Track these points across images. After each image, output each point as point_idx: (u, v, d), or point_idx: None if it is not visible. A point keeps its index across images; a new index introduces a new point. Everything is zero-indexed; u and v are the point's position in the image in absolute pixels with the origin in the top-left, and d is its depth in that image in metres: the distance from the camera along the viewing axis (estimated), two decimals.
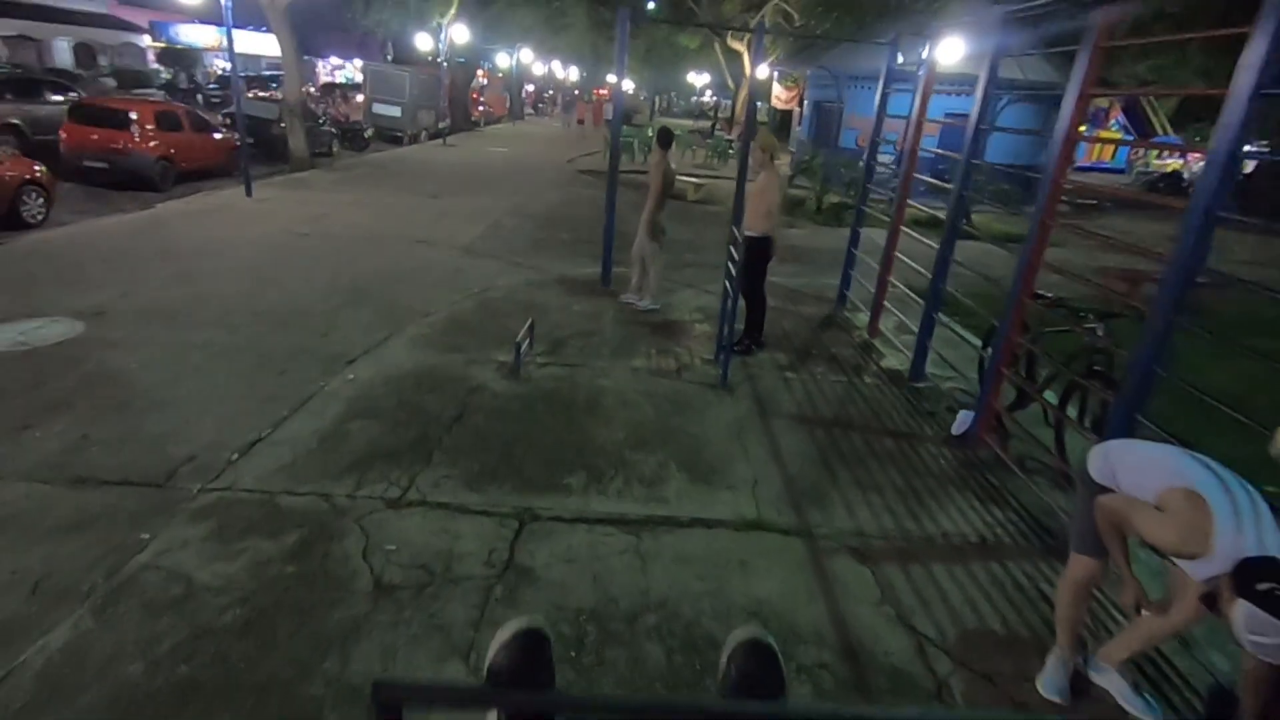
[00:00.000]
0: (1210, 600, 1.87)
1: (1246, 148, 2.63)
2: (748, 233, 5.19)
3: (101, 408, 3.92)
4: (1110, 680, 2.42)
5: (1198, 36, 3.47)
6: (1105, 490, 2.22)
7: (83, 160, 10.77)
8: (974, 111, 4.59)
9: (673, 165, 6.33)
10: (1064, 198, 4.10)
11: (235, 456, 3.52)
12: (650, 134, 23.72)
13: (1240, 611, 1.69)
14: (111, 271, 6.36)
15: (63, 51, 28.62)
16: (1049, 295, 4.06)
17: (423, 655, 2.40)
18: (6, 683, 2.18)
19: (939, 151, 6.13)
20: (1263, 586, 1.66)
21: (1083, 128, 3.63)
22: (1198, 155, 29.50)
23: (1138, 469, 2.15)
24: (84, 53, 29.45)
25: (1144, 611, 2.27)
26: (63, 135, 10.85)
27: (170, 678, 2.24)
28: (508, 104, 36.15)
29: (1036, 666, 2.50)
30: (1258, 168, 23.70)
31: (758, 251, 5.34)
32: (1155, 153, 29.87)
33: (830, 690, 2.38)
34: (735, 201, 5.42)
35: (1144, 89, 11.55)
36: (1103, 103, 32.20)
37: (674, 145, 6.46)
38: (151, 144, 10.98)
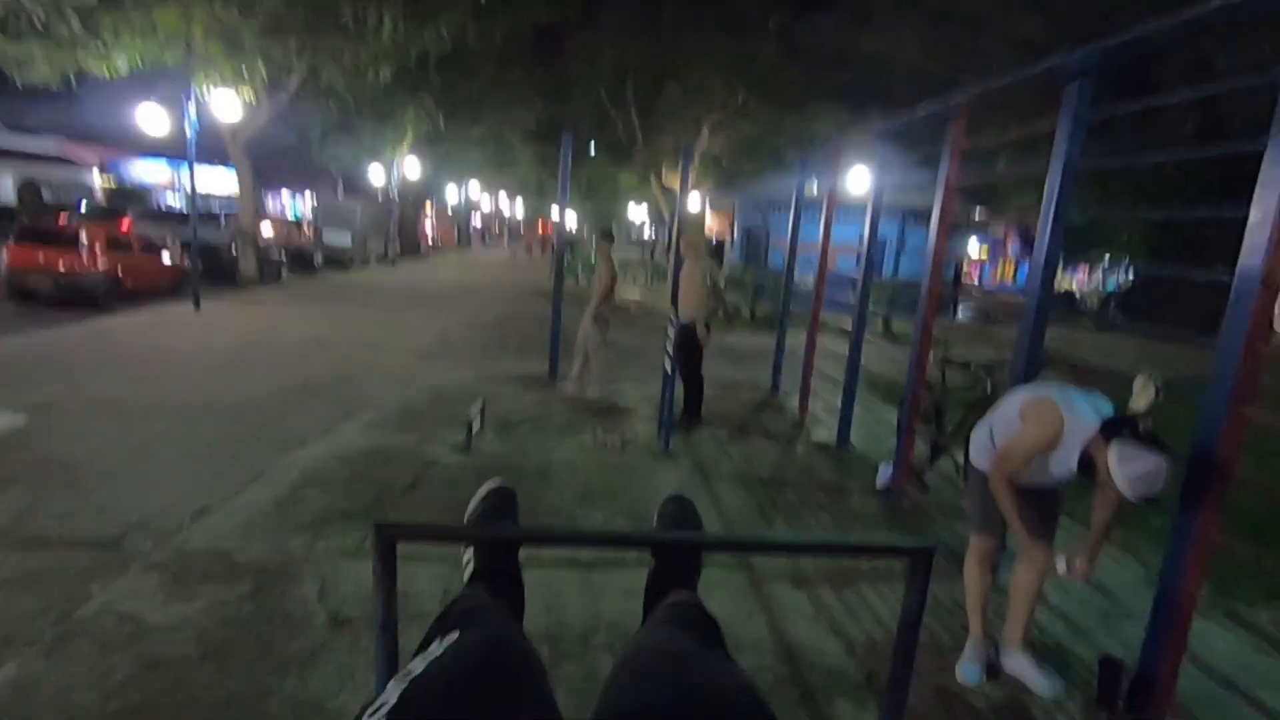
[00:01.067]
0: (1087, 469, 2.29)
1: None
2: (682, 321, 5.72)
3: (48, 486, 3.91)
4: (1016, 662, 2.68)
5: (1021, 133, 4.29)
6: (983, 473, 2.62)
7: (26, 280, 10.80)
8: (865, 233, 5.41)
9: (614, 262, 6.90)
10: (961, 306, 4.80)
11: (188, 520, 3.56)
12: (593, 260, 25.15)
13: (1113, 452, 2.17)
14: (55, 373, 6.36)
15: (5, 188, 28.82)
16: (943, 356, 4.62)
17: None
18: None
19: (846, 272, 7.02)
20: (1125, 430, 2.18)
21: (982, 250, 4.35)
22: (1084, 277, 33.08)
23: (1002, 418, 2.64)
24: (28, 188, 29.71)
25: (1061, 567, 2.58)
26: (5, 256, 10.92)
27: (124, 703, 2.26)
28: (456, 234, 37.74)
29: (955, 660, 2.74)
30: (1136, 282, 26.64)
31: (692, 337, 5.85)
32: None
33: (770, 685, 2.55)
34: (671, 289, 5.98)
35: (999, 171, 13.34)
36: (998, 231, 36.06)
37: (614, 241, 7.13)
38: (99, 263, 11.13)
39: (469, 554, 1.30)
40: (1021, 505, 2.51)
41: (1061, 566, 2.58)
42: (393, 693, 0.64)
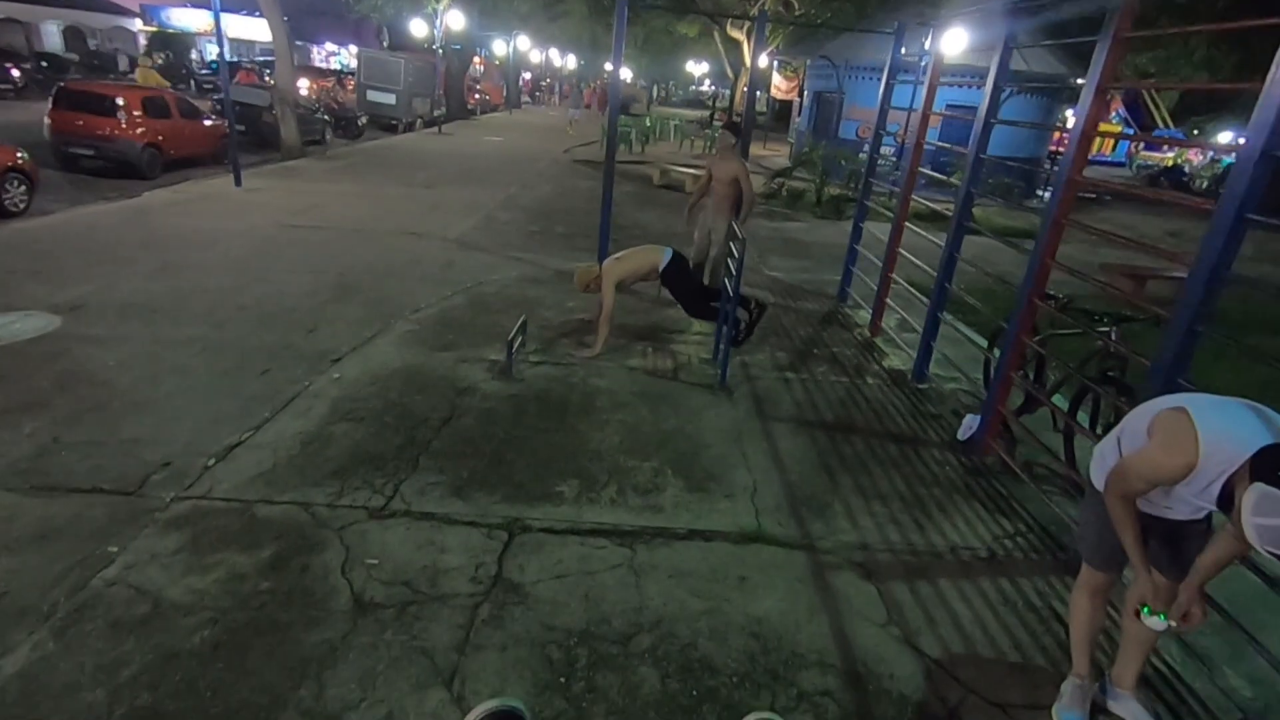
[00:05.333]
0: (1227, 502, 1.79)
1: None
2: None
3: (76, 408, 3.76)
4: (1128, 708, 2.30)
5: (1231, 27, 3.32)
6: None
7: (68, 147, 10.55)
8: (983, 104, 4.45)
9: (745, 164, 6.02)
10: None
11: (212, 462, 3.36)
12: (649, 124, 23.45)
13: (1254, 493, 1.64)
14: (92, 264, 6.18)
15: (52, 35, 28.23)
16: (1060, 296, 3.91)
17: (404, 681, 2.26)
18: None
19: (945, 145, 5.96)
20: None
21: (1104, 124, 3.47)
22: (1197, 150, 29.47)
23: (1131, 430, 2.08)
24: (73, 36, 29.05)
25: (1159, 625, 2.09)
26: (48, 121, 10.60)
27: (132, 705, 2.10)
28: (504, 92, 35.79)
29: (1051, 695, 2.37)
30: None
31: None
32: (1146, 146, 29.68)
33: (835, 719, 2.25)
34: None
35: (1161, 84, 11.35)
36: None
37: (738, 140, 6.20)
38: (138, 130, 10.74)
39: None
40: (1144, 534, 2.02)
41: (1159, 624, 2.05)
42: None
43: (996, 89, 4.41)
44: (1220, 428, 1.79)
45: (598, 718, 2.20)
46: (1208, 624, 2.59)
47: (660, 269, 5.12)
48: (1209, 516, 2.12)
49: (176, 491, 3.12)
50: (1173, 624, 2.02)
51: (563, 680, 2.31)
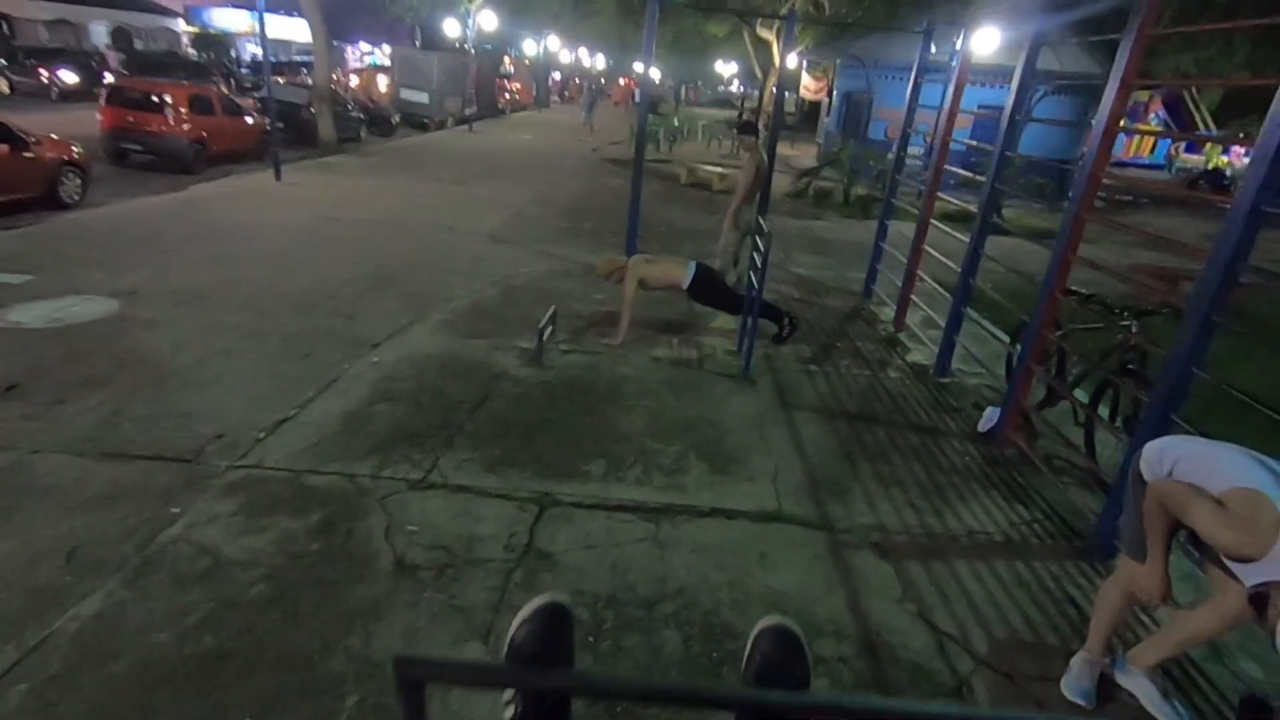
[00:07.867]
0: (1259, 602, 1.81)
1: None
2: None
3: (134, 385, 4.00)
4: (1138, 684, 2.37)
5: (1247, 25, 3.33)
6: None
7: (119, 143, 11.00)
8: (1009, 103, 4.50)
9: (764, 156, 6.13)
10: (1100, 193, 3.99)
11: (262, 435, 3.57)
12: (676, 124, 23.58)
13: None
14: (145, 253, 6.48)
15: (100, 35, 29.18)
16: (1082, 291, 3.96)
17: (443, 635, 2.43)
18: (41, 649, 2.24)
19: (972, 144, 6.01)
20: None
21: (1122, 121, 3.51)
22: (1241, 151, 28.67)
23: (1197, 466, 2.01)
24: (120, 36, 30.01)
25: (1169, 609, 2.16)
26: (100, 118, 11.06)
27: (198, 647, 2.29)
28: (534, 91, 36.15)
29: (1060, 668, 2.46)
30: None
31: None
32: (1188, 147, 29.05)
33: (849, 684, 2.36)
34: (763, 190, 5.39)
35: (1187, 80, 11.10)
36: (1142, 96, 31.38)
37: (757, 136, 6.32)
38: (185, 127, 11.15)
39: (510, 693, 1.05)
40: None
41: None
42: None
43: (1023, 87, 4.47)
44: None
45: (624, 673, 2.34)
46: None
47: (685, 285, 5.20)
48: None
49: (230, 461, 3.33)
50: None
51: (590, 639, 2.46)
